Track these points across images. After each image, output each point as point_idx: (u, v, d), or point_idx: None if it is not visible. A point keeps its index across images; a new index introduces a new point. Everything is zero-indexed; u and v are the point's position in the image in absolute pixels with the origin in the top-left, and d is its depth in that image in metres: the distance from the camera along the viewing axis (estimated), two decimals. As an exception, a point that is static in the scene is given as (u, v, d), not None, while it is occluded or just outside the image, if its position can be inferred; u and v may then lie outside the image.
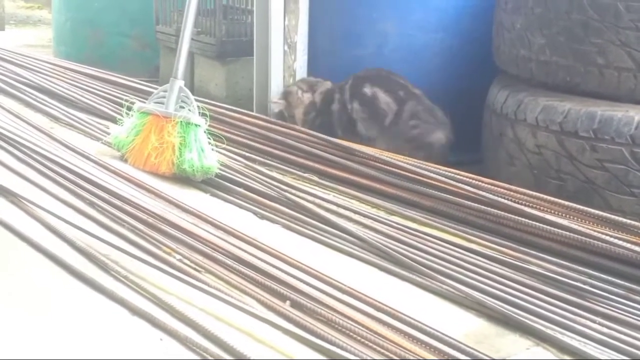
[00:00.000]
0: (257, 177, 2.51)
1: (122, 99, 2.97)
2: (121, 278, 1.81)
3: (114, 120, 2.98)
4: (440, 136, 2.81)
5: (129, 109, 2.69)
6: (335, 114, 3.00)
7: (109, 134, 2.84)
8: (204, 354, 1.52)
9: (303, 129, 2.87)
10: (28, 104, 3.41)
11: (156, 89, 2.81)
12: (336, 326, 1.63)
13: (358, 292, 1.79)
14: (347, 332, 1.61)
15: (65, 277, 1.83)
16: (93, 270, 1.85)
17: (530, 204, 2.17)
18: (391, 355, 1.53)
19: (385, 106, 2.86)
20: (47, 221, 2.12)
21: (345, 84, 2.99)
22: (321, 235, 2.15)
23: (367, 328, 1.61)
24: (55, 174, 2.48)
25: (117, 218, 2.17)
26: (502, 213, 2.16)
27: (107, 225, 2.13)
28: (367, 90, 2.90)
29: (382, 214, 2.31)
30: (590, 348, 1.61)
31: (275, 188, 2.41)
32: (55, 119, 3.23)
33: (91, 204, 2.27)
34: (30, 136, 2.85)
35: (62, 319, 1.65)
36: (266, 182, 2.46)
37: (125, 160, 2.66)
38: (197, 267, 1.89)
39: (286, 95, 3.13)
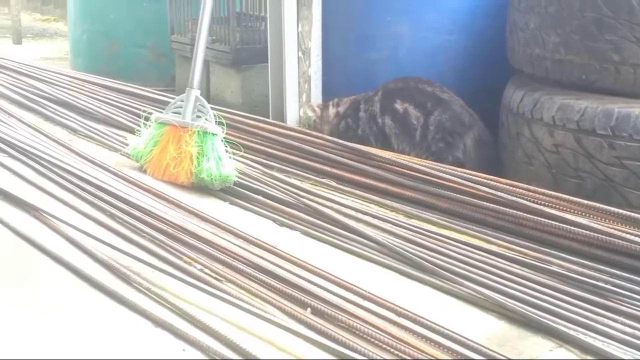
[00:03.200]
0: (275, 184, 2.52)
1: (139, 109, 3.00)
2: (143, 289, 1.83)
3: (131, 131, 3.01)
4: (458, 155, 2.80)
5: (147, 119, 2.71)
6: (363, 121, 2.99)
7: (127, 145, 2.87)
8: (227, 363, 1.53)
9: (319, 134, 2.87)
10: (47, 117, 3.46)
11: (173, 98, 2.83)
12: (358, 333, 1.63)
13: (379, 297, 1.79)
14: (370, 338, 1.61)
15: (88, 290, 1.84)
16: (115, 282, 1.86)
17: (549, 204, 2.17)
18: (414, 361, 1.53)
19: (415, 121, 2.86)
20: (68, 234, 2.14)
21: (374, 95, 2.98)
22: (340, 240, 2.16)
23: (390, 334, 1.61)
24: (75, 186, 2.51)
25: (137, 229, 2.18)
26: (521, 213, 2.15)
27: (128, 236, 2.15)
28: (399, 106, 2.89)
29: (401, 217, 2.31)
30: (613, 348, 1.60)
31: (293, 195, 2.42)
32: (74, 131, 3.26)
33: (111, 216, 2.29)
34: (49, 149, 2.88)
35: (85, 331, 1.66)
36: (284, 188, 2.47)
37: (144, 171, 2.68)
38: (217, 277, 1.90)
39: (322, 108, 3.15)
